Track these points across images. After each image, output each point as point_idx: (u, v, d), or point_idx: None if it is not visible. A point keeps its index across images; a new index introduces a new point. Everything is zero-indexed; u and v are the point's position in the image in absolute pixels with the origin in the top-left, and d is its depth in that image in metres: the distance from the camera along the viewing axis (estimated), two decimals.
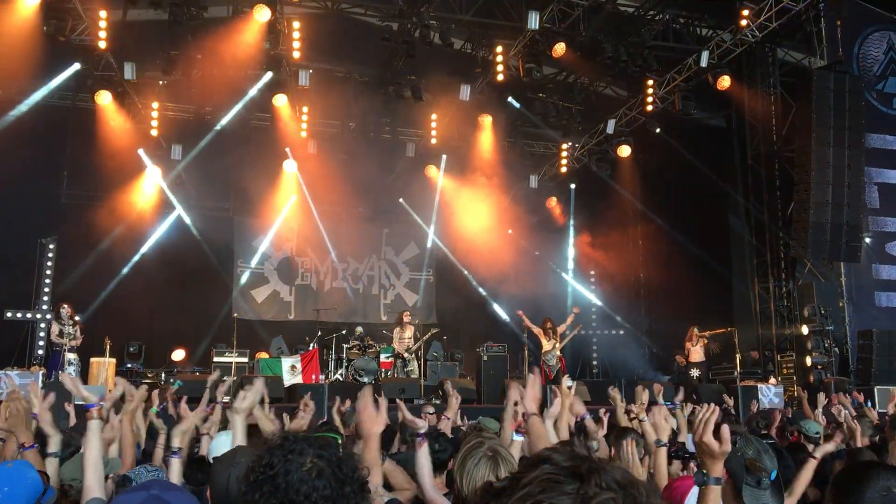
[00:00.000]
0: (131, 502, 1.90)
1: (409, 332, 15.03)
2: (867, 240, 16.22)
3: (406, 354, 14.79)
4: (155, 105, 16.49)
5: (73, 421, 4.98)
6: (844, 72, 15.80)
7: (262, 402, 6.02)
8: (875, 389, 13.73)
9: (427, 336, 15.25)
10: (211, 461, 3.85)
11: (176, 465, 3.57)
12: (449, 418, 5.59)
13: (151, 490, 1.92)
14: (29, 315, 15.38)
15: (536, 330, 14.77)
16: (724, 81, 15.74)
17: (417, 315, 16.25)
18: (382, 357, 15.39)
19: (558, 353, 14.73)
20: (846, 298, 16.37)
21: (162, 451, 4.99)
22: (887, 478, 2.53)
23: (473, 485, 2.72)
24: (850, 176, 15.29)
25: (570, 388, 4.66)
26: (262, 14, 13.74)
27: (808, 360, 15.45)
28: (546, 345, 14.66)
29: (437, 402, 11.21)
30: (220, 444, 3.95)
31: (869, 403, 11.21)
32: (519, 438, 3.51)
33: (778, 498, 3.46)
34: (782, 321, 16.60)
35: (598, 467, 1.13)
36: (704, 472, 2.79)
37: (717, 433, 2.82)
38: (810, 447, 5.96)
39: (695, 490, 3.12)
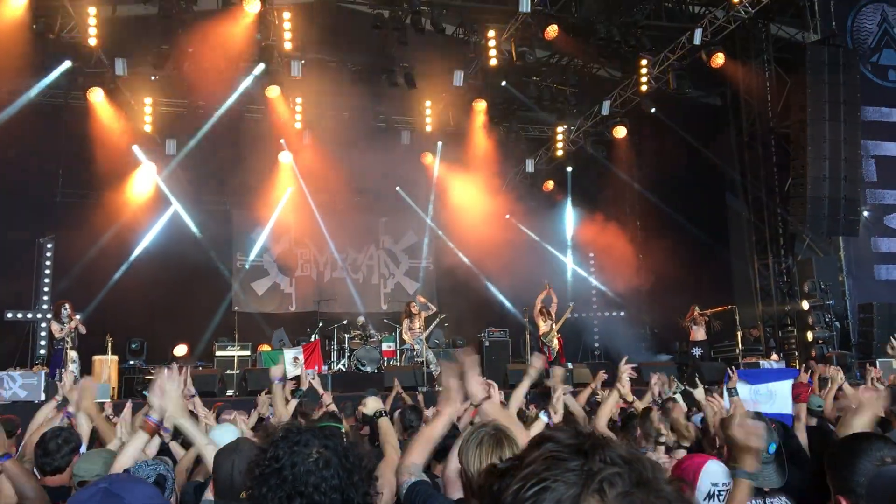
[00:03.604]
0: (82, 497, 1.90)
1: (418, 321, 15.00)
2: (865, 213, 16.22)
3: (416, 346, 14.79)
4: (148, 100, 16.39)
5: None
6: (838, 45, 15.75)
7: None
8: (877, 362, 13.74)
9: (437, 322, 15.31)
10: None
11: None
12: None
13: (100, 484, 1.92)
14: (29, 315, 15.37)
15: (537, 311, 14.90)
16: (718, 59, 15.68)
17: (415, 297, 16.26)
18: (384, 346, 15.42)
19: (557, 334, 14.84)
20: (846, 272, 16.38)
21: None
22: (880, 448, 2.55)
23: (479, 464, 2.72)
24: (847, 150, 15.27)
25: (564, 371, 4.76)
26: (252, 5, 13.66)
27: (810, 336, 15.49)
28: (543, 327, 14.77)
29: (440, 388, 11.23)
30: (215, 439, 3.96)
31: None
32: (544, 419, 3.51)
33: (781, 472, 3.47)
34: (783, 297, 16.62)
35: (602, 443, 1.13)
36: (735, 465, 2.82)
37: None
38: (814, 420, 6.00)
39: (707, 467, 3.13)
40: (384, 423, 4.08)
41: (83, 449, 4.28)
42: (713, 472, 3.11)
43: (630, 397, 5.92)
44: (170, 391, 3.21)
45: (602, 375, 6.72)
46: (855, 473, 2.45)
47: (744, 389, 6.60)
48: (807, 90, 15.17)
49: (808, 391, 7.07)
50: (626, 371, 5.46)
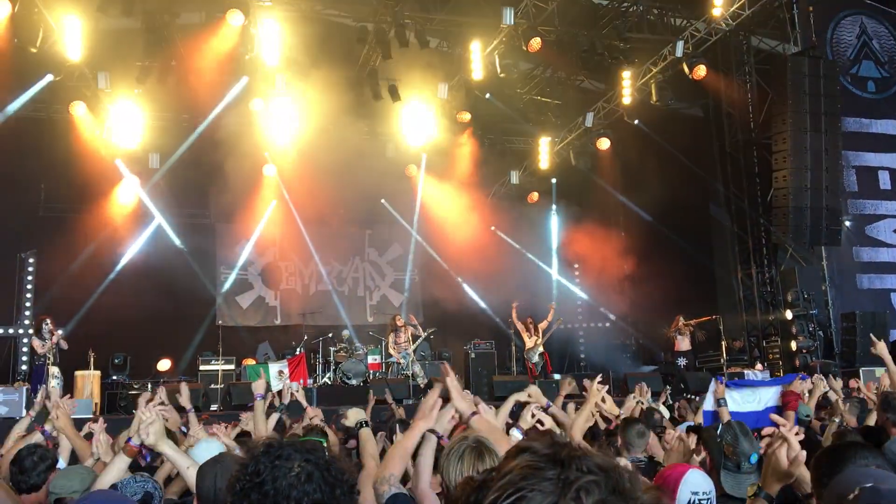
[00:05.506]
0: None
1: (404, 335, 14.94)
2: (847, 223, 16.36)
3: (402, 360, 14.74)
4: (131, 114, 16.30)
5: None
6: (818, 57, 15.92)
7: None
8: (860, 371, 13.84)
9: (427, 334, 15.27)
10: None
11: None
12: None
13: (79, 502, 1.90)
14: (11, 331, 15.21)
15: (520, 326, 14.95)
16: (700, 71, 15.80)
17: (405, 316, 16.23)
18: (370, 359, 15.37)
19: (541, 349, 14.84)
20: (828, 282, 16.50)
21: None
22: (864, 456, 2.54)
23: (460, 477, 2.71)
24: (828, 160, 15.41)
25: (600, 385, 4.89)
26: (236, 19, 13.64)
27: (794, 345, 15.58)
28: (528, 342, 14.80)
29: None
30: (199, 453, 3.92)
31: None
32: (517, 434, 3.51)
33: None
34: (766, 307, 16.71)
35: (578, 453, 1.14)
36: (760, 486, 2.79)
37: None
38: (799, 429, 6.00)
39: (687, 477, 3.13)
40: (365, 433, 4.04)
41: (62, 465, 4.23)
42: (693, 482, 3.11)
43: (616, 410, 5.91)
44: (146, 420, 3.29)
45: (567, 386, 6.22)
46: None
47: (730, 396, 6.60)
48: (788, 101, 15.32)
49: (798, 400, 7.10)
50: (599, 388, 5.47)
